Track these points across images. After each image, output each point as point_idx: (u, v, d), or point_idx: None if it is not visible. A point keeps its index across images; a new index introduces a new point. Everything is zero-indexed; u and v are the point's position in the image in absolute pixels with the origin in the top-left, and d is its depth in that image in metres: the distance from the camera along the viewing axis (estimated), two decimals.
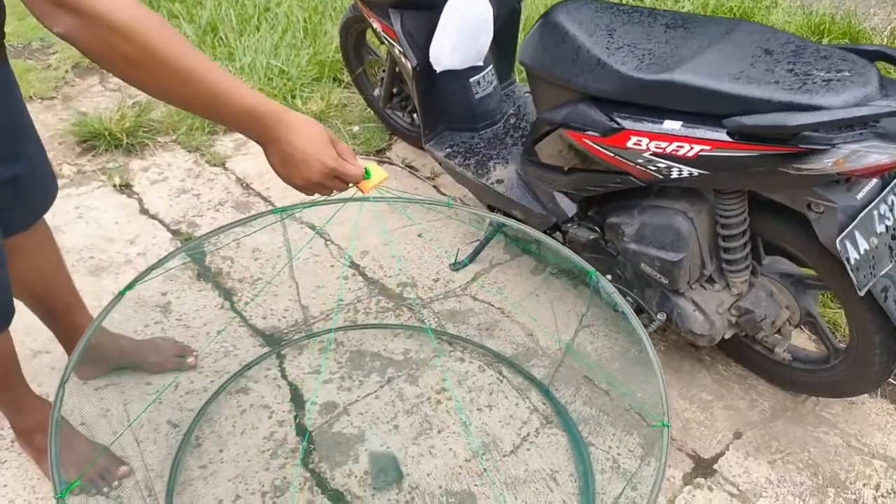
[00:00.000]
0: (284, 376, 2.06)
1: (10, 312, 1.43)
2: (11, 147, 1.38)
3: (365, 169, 1.25)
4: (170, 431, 1.89)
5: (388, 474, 1.82)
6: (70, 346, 1.88)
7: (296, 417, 1.96)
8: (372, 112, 3.12)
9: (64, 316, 1.83)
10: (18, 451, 1.80)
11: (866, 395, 2.05)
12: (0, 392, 1.66)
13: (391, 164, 2.97)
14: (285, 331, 2.20)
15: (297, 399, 2.00)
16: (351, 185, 1.23)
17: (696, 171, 1.61)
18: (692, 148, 1.58)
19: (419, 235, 2.59)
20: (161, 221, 2.57)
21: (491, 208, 2.43)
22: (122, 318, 2.14)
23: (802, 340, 2.21)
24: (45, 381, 1.96)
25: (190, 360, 2.04)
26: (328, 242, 2.53)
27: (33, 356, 2.02)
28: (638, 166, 1.70)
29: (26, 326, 2.04)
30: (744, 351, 2.08)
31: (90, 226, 2.52)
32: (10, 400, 1.68)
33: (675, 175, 1.65)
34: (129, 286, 1.54)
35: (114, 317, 2.11)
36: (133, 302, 2.23)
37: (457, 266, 2.46)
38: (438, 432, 1.93)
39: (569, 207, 2.05)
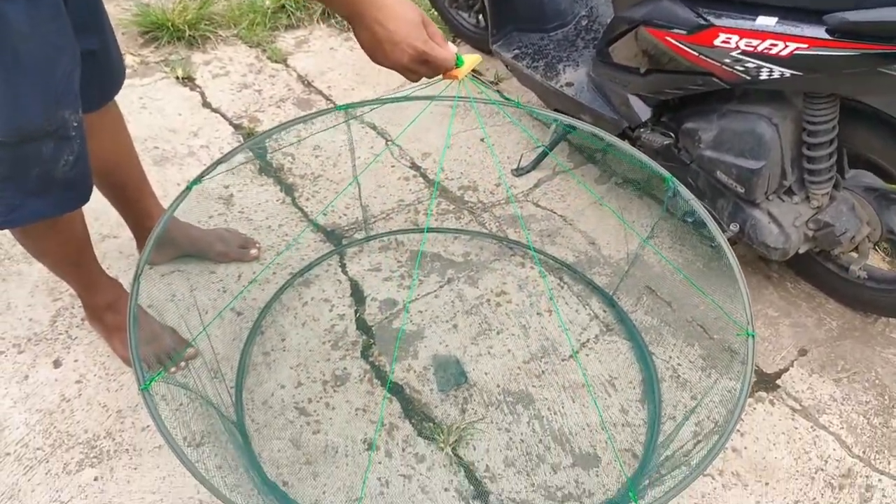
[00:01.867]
0: (345, 272, 2.07)
1: (90, 189, 1.44)
2: (88, 18, 1.36)
3: (456, 55, 1.19)
4: (233, 318, 1.92)
5: (452, 377, 1.83)
6: (138, 229, 1.91)
7: (356, 312, 1.97)
8: (435, 12, 3.02)
9: (133, 198, 1.84)
10: (89, 328, 1.85)
11: None
12: (73, 270, 1.69)
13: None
14: (346, 228, 2.19)
15: (358, 295, 2.01)
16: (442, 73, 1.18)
17: (787, 72, 1.52)
18: (786, 46, 1.49)
19: (482, 140, 2.54)
20: (223, 115, 2.56)
21: (558, 113, 2.36)
22: (187, 209, 2.16)
23: (876, 260, 2.14)
24: (114, 265, 2.00)
25: (253, 251, 2.06)
26: (389, 142, 2.49)
27: (101, 240, 2.06)
28: (724, 66, 1.61)
29: (94, 211, 2.07)
30: (814, 268, 2.02)
31: (154, 117, 2.52)
32: (82, 278, 1.72)
33: (763, 76, 1.56)
34: (197, 181, 1.53)
35: (179, 207, 2.15)
36: (197, 194, 2.24)
37: (519, 172, 2.41)
38: (497, 334, 1.93)
39: (642, 111, 1.97)
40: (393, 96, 1.36)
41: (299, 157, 2.41)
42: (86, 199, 1.44)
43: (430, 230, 2.18)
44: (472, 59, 1.23)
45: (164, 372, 1.36)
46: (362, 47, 1.14)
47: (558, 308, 2.00)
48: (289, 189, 2.30)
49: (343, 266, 2.08)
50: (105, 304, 1.77)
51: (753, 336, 1.33)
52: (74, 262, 1.66)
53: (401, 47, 1.10)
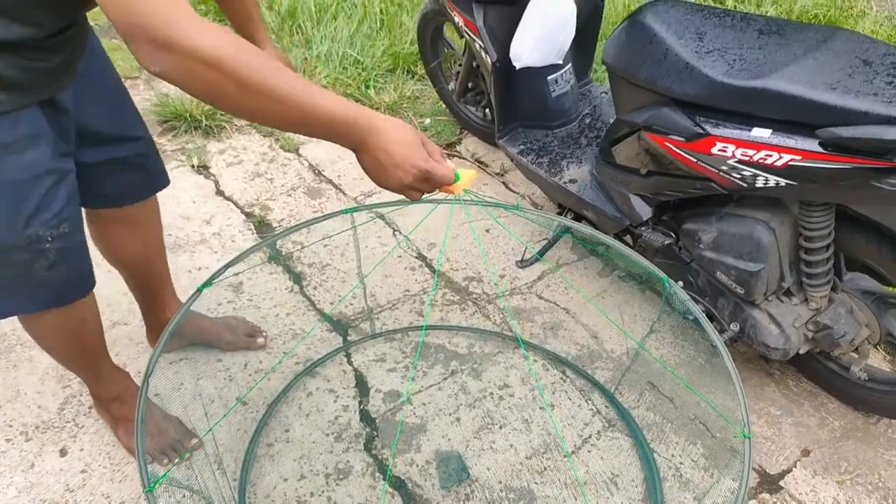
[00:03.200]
0: (350, 362, 2.09)
1: (76, 287, 1.47)
2: (115, 130, 1.43)
3: (455, 171, 1.25)
4: (238, 409, 1.94)
5: (455, 473, 1.83)
6: (151, 318, 1.95)
7: (360, 403, 1.98)
8: (444, 105, 3.14)
9: (154, 290, 1.89)
10: (96, 417, 1.87)
11: None
12: (82, 361, 1.72)
13: (461, 157, 2.98)
14: (352, 317, 2.23)
15: (362, 386, 2.03)
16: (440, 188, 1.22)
17: (783, 181, 1.58)
18: (781, 157, 1.55)
19: (487, 231, 2.60)
20: (235, 203, 2.63)
21: (561, 208, 2.42)
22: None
23: (878, 360, 2.15)
24: (123, 352, 2.03)
25: (260, 340, 2.09)
26: (396, 232, 2.55)
27: (112, 326, 2.09)
28: (721, 173, 1.67)
29: (106, 297, 2.13)
30: (816, 367, 2.04)
31: (169, 204, 2.59)
32: (91, 369, 1.74)
33: (760, 184, 1.62)
34: (207, 283, 1.57)
35: (189, 293, 2.18)
36: None
37: (523, 264, 2.46)
38: (500, 428, 1.94)
39: (643, 211, 2.03)
40: (397, 202, 1.39)
41: (308, 245, 2.47)
42: (86, 292, 1.48)
43: (429, 327, 2.21)
44: (468, 175, 1.27)
45: (168, 473, 1.37)
46: (366, 172, 1.18)
47: (550, 408, 2.01)
48: (297, 278, 2.35)
49: (348, 356, 2.11)
50: (113, 395, 1.79)
51: (750, 438, 1.34)
52: (81, 357, 1.69)
53: (404, 168, 1.14)
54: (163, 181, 1.70)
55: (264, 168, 2.82)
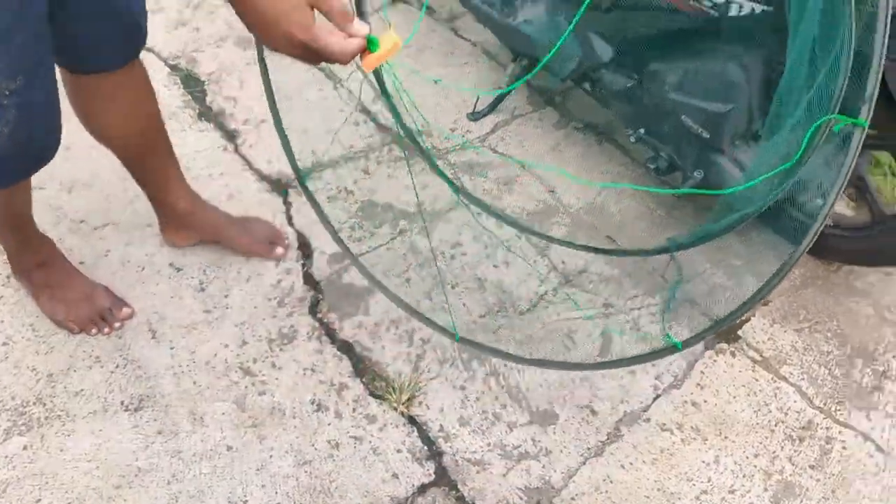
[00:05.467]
0: (291, 224, 1.96)
1: (30, 164, 1.31)
2: None
3: (368, 38, 0.92)
4: (172, 274, 1.81)
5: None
6: (162, 207, 1.78)
7: (303, 266, 1.87)
8: None
9: (155, 171, 1.69)
10: (15, 287, 1.72)
11: None
12: (11, 227, 1.57)
13: (406, 2, 2.73)
14: (292, 177, 2.07)
15: (305, 247, 1.91)
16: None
17: (759, 8, 1.43)
18: None
19: (436, 82, 2.41)
20: (158, 55, 2.38)
21: (515, 54, 2.24)
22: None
23: (841, 207, 2.09)
24: (42, 218, 1.83)
25: (279, 249, 1.86)
26: (338, 85, 2.35)
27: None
28: (692, 2, 1.51)
29: None
30: (778, 215, 1.96)
31: None
32: (18, 235, 1.60)
33: (733, 12, 1.47)
34: None
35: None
36: None
37: (475, 116, 2.30)
38: (452, 287, 1.85)
39: (604, 51, 1.87)
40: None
41: (242, 100, 2.26)
42: (20, 175, 1.32)
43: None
44: (389, 42, 0.94)
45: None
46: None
47: (515, 262, 1.92)
48: (231, 136, 2.16)
49: (289, 218, 1.97)
50: (37, 263, 1.65)
51: (865, 125, 1.17)
52: (11, 222, 1.55)
53: (275, 35, 0.86)
54: (138, 40, 1.41)
55: (188, 16, 2.55)
